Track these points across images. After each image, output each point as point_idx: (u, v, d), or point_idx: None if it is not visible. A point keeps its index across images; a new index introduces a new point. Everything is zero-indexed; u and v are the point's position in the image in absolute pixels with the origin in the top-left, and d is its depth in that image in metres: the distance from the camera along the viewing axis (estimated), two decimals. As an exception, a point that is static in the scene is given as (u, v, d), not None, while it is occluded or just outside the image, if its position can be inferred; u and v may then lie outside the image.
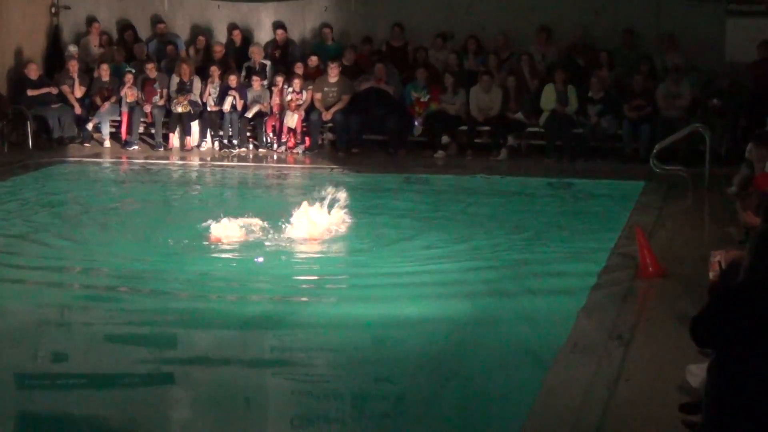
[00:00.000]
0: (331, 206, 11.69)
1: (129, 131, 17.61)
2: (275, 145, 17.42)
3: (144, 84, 17.75)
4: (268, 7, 18.85)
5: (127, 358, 8.28)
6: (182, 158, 17.14)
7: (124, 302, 9.68)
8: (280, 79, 17.44)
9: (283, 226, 11.58)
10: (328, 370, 8.12)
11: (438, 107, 17.07)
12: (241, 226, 11.45)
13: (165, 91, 17.66)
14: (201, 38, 18.55)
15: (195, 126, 17.69)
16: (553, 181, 15.17)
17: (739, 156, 13.74)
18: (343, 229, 11.65)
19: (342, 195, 11.81)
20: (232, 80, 17.38)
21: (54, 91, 17.72)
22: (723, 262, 7.14)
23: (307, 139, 17.42)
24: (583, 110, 16.65)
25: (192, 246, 11.20)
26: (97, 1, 19.20)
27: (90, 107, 17.80)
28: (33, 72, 17.79)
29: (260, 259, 10.76)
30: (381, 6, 18.46)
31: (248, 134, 17.69)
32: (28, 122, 17.26)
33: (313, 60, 17.85)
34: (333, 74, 17.26)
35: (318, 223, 11.55)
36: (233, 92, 17.29)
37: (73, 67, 17.84)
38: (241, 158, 17.08)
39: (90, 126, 17.81)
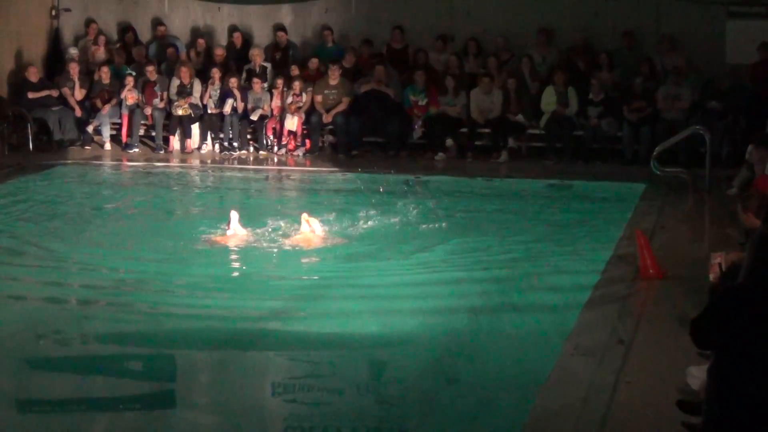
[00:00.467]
0: (330, 209, 11.69)
1: (129, 134, 17.62)
2: (275, 148, 17.43)
3: (144, 86, 17.76)
4: (268, 10, 18.85)
5: (127, 358, 8.28)
6: (183, 161, 17.14)
7: (123, 305, 9.66)
8: (280, 82, 17.45)
9: (284, 228, 11.58)
10: (325, 380, 8.05)
11: (437, 110, 17.07)
12: (242, 229, 11.46)
13: (165, 93, 17.67)
14: (201, 41, 18.55)
15: (195, 128, 17.70)
16: (554, 182, 15.17)
17: (739, 158, 13.75)
18: (342, 231, 11.65)
19: (342, 198, 11.81)
20: (233, 83, 17.39)
21: (54, 93, 17.73)
22: (723, 263, 7.16)
23: (307, 141, 17.42)
24: (584, 112, 16.66)
25: (192, 249, 11.20)
26: (97, 3, 19.20)
27: (90, 110, 17.80)
28: (33, 74, 17.80)
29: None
30: (381, 8, 18.46)
31: (248, 137, 17.70)
32: (29, 125, 17.26)
33: (314, 62, 17.86)
34: (333, 76, 17.27)
35: (317, 226, 11.55)
36: (235, 92, 17.29)
37: (74, 69, 17.85)
38: (241, 161, 17.09)
39: (90, 128, 17.81)
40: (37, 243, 11.65)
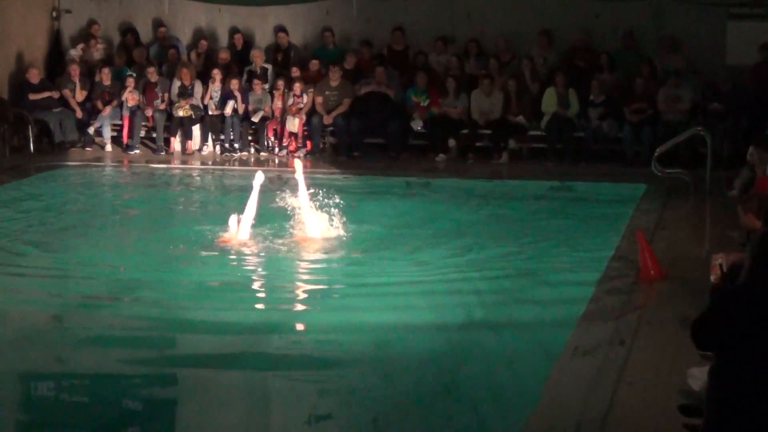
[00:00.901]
0: (331, 210, 11.69)
1: (130, 135, 17.63)
2: (276, 149, 17.44)
3: (145, 88, 17.76)
4: (269, 11, 18.86)
5: (127, 360, 8.28)
6: (184, 162, 17.15)
7: (125, 307, 9.66)
8: (281, 83, 17.45)
9: (284, 229, 11.57)
10: (328, 376, 8.08)
11: (439, 111, 17.07)
12: (243, 230, 11.46)
13: (166, 95, 17.68)
14: (203, 42, 18.55)
15: (196, 130, 17.71)
16: (554, 184, 15.18)
17: (740, 159, 13.72)
18: (343, 233, 11.65)
19: (343, 199, 11.81)
20: (234, 84, 17.40)
21: (55, 95, 17.73)
22: (724, 265, 7.15)
23: (308, 142, 17.43)
24: (584, 113, 16.66)
25: (193, 250, 11.20)
26: (98, 4, 19.20)
27: (91, 111, 17.81)
28: (34, 76, 17.80)
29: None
30: (382, 10, 18.46)
31: (250, 138, 17.71)
32: (30, 126, 17.27)
33: (315, 64, 17.86)
34: (334, 78, 17.28)
35: (319, 227, 11.55)
36: (236, 93, 17.30)
37: (75, 71, 17.85)
38: (242, 162, 17.09)
39: (91, 130, 17.82)
40: (38, 245, 11.66)
